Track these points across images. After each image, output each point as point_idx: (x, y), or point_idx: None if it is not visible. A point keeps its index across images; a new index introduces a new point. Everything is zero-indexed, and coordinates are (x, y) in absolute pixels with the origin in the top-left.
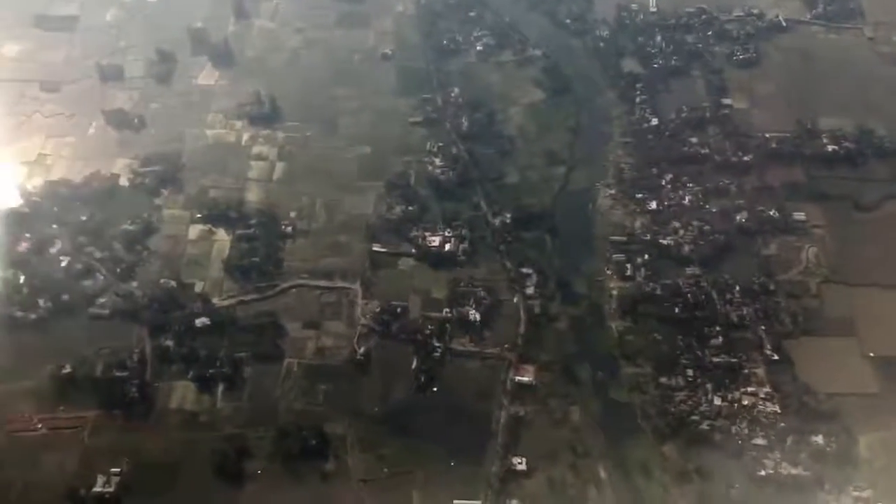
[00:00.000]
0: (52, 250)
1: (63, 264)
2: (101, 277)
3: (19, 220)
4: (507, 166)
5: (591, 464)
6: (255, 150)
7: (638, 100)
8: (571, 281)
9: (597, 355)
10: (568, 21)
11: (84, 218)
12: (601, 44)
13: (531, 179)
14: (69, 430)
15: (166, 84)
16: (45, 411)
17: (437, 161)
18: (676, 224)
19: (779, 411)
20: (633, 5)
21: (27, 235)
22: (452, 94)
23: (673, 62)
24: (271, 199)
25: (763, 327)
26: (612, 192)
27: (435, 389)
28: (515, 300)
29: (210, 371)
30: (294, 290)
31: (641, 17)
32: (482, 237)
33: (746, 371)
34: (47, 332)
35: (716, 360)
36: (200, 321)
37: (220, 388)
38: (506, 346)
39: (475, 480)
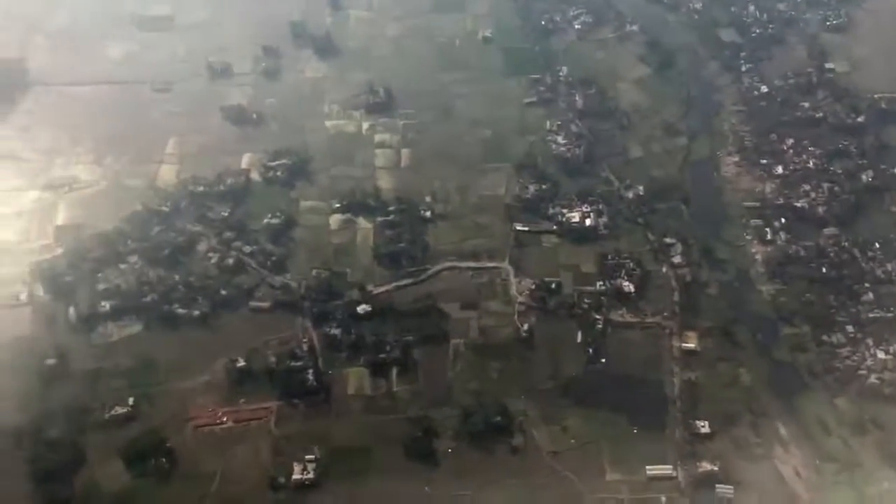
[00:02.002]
0: (200, 247)
1: (213, 261)
2: (253, 271)
3: (161, 219)
4: (629, 140)
5: (770, 422)
6: (378, 138)
7: (744, 68)
8: (714, 248)
9: (753, 318)
10: None
11: (225, 214)
12: (696, 16)
13: (654, 152)
14: (255, 422)
15: (276, 79)
16: (226, 405)
17: (560, 139)
18: (807, 187)
19: None
20: None
21: (173, 234)
22: (561, 73)
23: (770, 30)
24: (404, 185)
25: None
26: (736, 159)
27: (603, 360)
28: (664, 270)
29: (381, 356)
30: (445, 272)
31: None
32: (618, 210)
33: None
34: (212, 328)
35: (871, 315)
36: (362, 308)
37: (394, 372)
38: (664, 314)
39: (661, 445)
